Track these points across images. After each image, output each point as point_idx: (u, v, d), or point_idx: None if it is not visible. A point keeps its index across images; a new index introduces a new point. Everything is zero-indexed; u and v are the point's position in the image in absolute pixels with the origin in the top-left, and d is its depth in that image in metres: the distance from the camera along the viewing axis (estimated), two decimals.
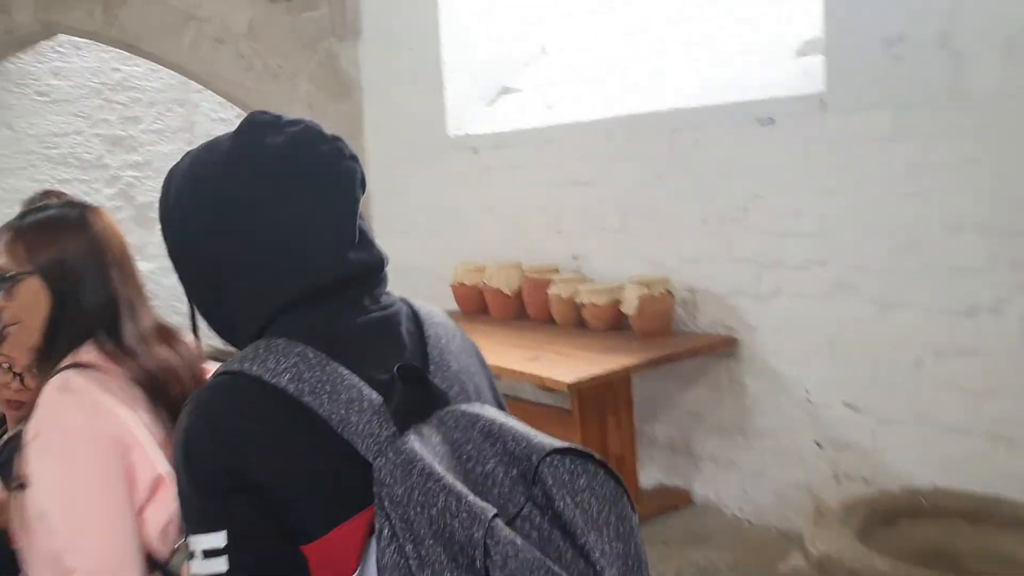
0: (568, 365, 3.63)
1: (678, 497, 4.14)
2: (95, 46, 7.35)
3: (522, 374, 3.62)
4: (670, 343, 3.89)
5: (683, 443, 4.19)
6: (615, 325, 4.11)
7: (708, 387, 4.04)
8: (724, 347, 3.89)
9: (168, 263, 1.25)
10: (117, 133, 7.72)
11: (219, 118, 7.65)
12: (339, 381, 1.02)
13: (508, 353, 3.92)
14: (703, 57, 4.37)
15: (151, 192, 7.89)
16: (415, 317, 1.17)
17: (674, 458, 4.24)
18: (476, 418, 1.00)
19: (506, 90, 5.40)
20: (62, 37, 7.28)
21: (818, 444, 3.60)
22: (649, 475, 4.25)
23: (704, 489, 4.13)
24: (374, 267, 1.14)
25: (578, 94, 4.85)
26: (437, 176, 5.42)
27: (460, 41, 5.30)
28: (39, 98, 7.37)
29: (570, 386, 3.44)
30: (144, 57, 6.31)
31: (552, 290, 4.36)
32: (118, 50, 6.65)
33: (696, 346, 3.89)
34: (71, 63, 7.51)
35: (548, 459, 0.94)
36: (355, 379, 1.03)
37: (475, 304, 4.78)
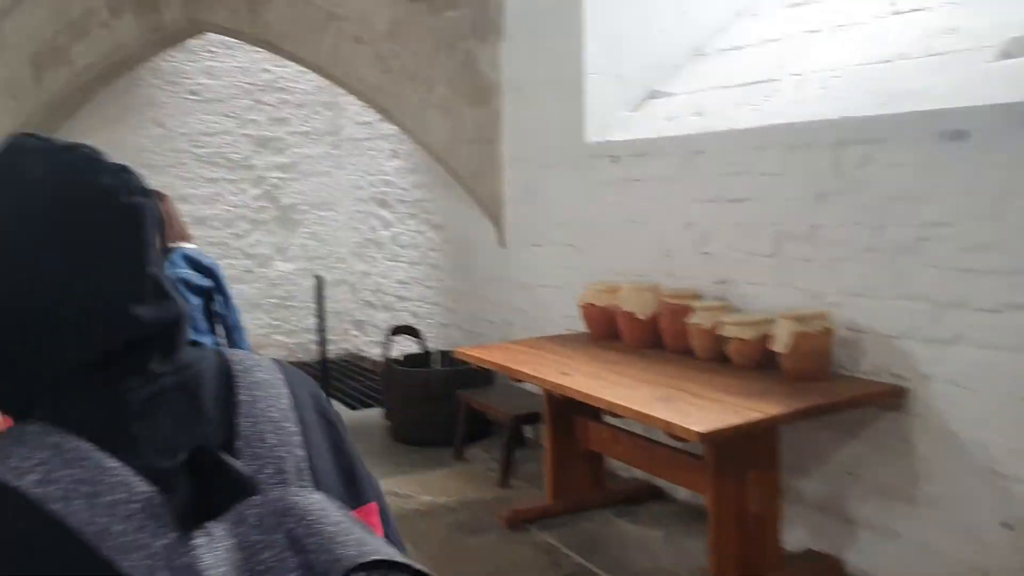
0: (703, 410, 3.16)
1: (827, 566, 3.59)
2: (246, 46, 7.38)
3: (647, 416, 3.17)
4: (826, 389, 3.35)
5: (836, 504, 3.63)
6: (762, 363, 3.61)
7: (869, 442, 3.47)
8: (890, 398, 3.32)
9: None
10: (264, 134, 7.75)
11: (363, 121, 7.53)
12: (102, 478, 0.80)
13: (635, 389, 3.48)
14: (877, 58, 3.79)
15: (295, 194, 7.88)
16: (227, 376, 0.95)
17: (824, 521, 3.68)
18: (285, 514, 0.80)
19: (654, 94, 4.95)
20: (215, 37, 7.36)
21: (1007, 526, 2.98)
22: (794, 538, 3.71)
23: (858, 559, 3.55)
24: (169, 324, 0.91)
25: (733, 100, 4.36)
26: (574, 186, 5.04)
27: (605, 42, 4.90)
28: (190, 97, 7.47)
29: (702, 436, 2.97)
30: (285, 57, 6.24)
31: (692, 319, 3.89)
32: (271, 53, 6.63)
33: (857, 394, 3.33)
34: (223, 63, 7.58)
35: None
36: (127, 473, 0.81)
37: (605, 328, 4.36)
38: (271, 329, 7.84)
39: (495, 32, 5.52)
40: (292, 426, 0.95)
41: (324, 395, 1.05)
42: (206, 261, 3.93)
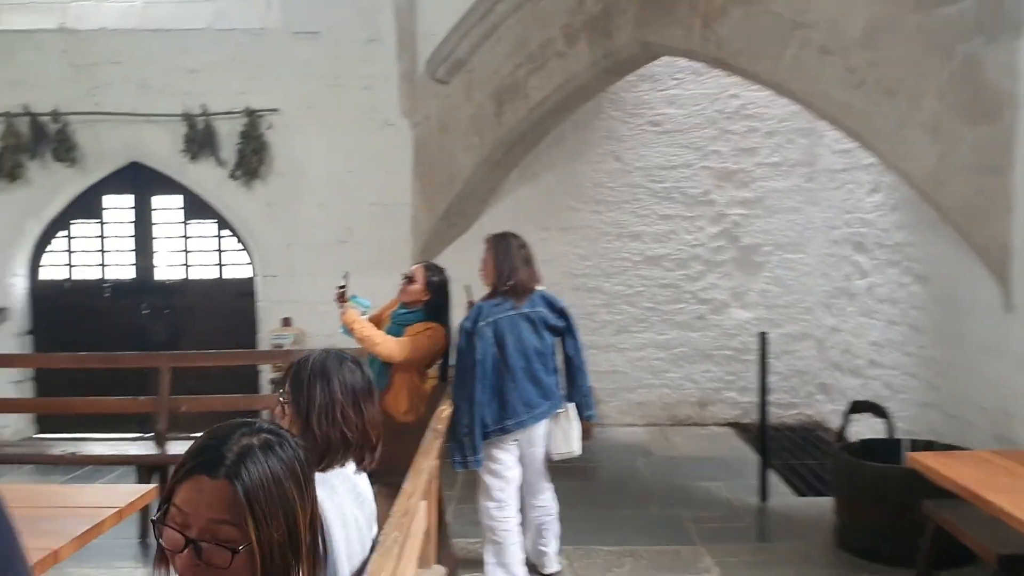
0: None
1: None
2: (715, 71, 6.74)
3: None
4: None
5: None
6: None
7: None
8: None
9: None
10: (728, 166, 7.00)
11: (842, 149, 6.42)
12: None
13: None
14: None
15: (758, 233, 7.03)
16: None
17: None
18: None
19: None
20: (683, 63, 6.83)
21: None
22: None
23: None
24: None
25: None
26: None
27: None
28: (651, 128, 7.00)
29: None
30: (738, 74, 5.46)
31: None
32: (739, 76, 5.91)
33: None
34: (688, 90, 7.01)
35: None
36: None
37: None
38: (721, 384, 7.03)
39: (1012, 27, 4.14)
40: None
41: None
42: (559, 303, 4.06)
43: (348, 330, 3.96)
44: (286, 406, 2.06)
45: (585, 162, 6.94)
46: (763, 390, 5.21)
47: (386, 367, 3.94)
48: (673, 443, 6.57)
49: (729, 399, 7.02)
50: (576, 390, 4.05)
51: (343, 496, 1.96)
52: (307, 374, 2.06)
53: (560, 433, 4.00)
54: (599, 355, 6.80)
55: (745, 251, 7.01)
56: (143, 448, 5.01)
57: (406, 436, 3.47)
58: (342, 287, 4.04)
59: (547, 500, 4.15)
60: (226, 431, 1.41)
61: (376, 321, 4.15)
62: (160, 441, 4.97)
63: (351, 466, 2.08)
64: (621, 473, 5.82)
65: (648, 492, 5.40)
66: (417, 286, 4.07)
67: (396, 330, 4.03)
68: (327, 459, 2.02)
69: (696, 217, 6.99)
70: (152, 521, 1.35)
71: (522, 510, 4.08)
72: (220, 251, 7.09)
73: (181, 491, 1.33)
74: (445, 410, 3.62)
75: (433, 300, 4.08)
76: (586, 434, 4.23)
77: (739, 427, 6.86)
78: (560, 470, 4.39)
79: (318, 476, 1.99)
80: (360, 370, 2.12)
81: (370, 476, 3.96)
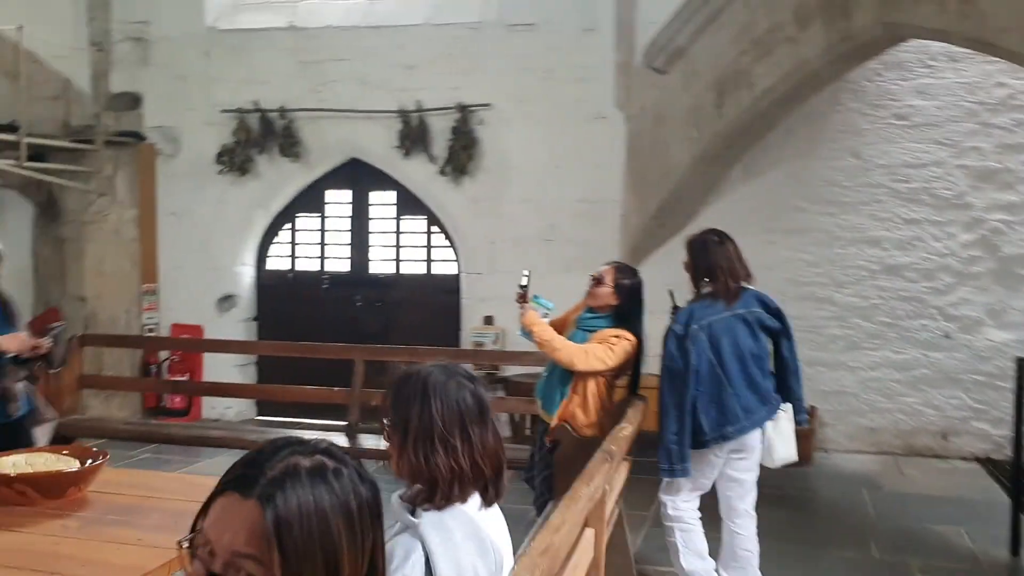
0: None
1: None
2: (977, 57, 5.90)
3: None
4: None
5: None
6: None
7: None
8: None
9: None
10: (989, 165, 6.11)
11: None
12: None
13: None
14: None
15: (1023, 242, 6.08)
16: None
17: None
18: None
19: None
20: (935, 49, 6.06)
21: None
22: None
23: None
24: None
25: None
26: None
27: None
28: (897, 122, 6.23)
29: None
30: (1004, 58, 4.69)
31: None
32: (1006, 61, 5.10)
33: None
34: (942, 79, 6.18)
35: None
36: None
37: None
38: (970, 413, 6.13)
39: None
40: None
41: None
42: (774, 303, 3.73)
43: (527, 333, 3.70)
44: (388, 429, 1.79)
45: (817, 158, 6.29)
46: (1020, 422, 4.43)
47: (568, 375, 3.64)
48: (907, 477, 5.80)
49: (978, 431, 6.11)
50: (790, 395, 3.65)
51: (460, 541, 1.66)
52: (407, 392, 1.78)
53: (779, 438, 3.62)
54: (825, 373, 6.16)
55: (1006, 263, 6.08)
56: (335, 440, 5.00)
57: (588, 452, 3.15)
58: (523, 286, 3.78)
59: (748, 528, 3.68)
60: (277, 445, 1.17)
61: (560, 324, 3.85)
62: (351, 433, 4.96)
63: (474, 501, 1.77)
64: (841, 507, 5.19)
65: (871, 532, 4.75)
66: (606, 289, 3.73)
67: (581, 336, 3.71)
68: (437, 493, 1.72)
69: (947, 222, 6.14)
70: (179, 543, 1.14)
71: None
72: (429, 247, 7.09)
73: (213, 509, 1.12)
74: (625, 429, 3.26)
75: (623, 305, 3.72)
76: (803, 457, 3.77)
77: (990, 464, 5.94)
78: (769, 499, 3.92)
79: (432, 516, 1.69)
80: (472, 387, 1.81)
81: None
